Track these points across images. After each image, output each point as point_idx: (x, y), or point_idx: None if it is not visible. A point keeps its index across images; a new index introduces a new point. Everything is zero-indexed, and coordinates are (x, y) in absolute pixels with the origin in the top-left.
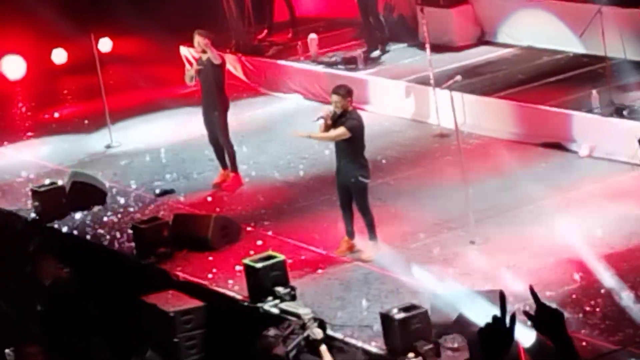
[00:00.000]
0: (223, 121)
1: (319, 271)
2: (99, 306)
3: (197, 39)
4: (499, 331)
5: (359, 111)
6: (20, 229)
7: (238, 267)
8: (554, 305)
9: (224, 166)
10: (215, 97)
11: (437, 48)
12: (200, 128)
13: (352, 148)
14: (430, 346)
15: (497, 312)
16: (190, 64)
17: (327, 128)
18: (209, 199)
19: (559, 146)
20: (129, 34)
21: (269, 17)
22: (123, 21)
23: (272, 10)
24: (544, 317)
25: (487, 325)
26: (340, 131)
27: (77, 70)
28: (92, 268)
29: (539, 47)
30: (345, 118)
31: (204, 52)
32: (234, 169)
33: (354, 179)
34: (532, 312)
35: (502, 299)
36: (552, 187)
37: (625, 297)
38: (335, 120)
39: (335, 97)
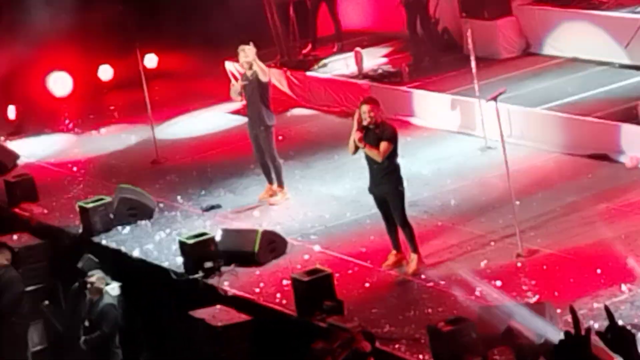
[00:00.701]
0: (268, 136)
1: (366, 284)
2: (147, 321)
3: (243, 55)
4: (574, 347)
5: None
6: (69, 244)
7: (285, 281)
8: (626, 326)
9: (270, 181)
10: (260, 112)
11: (483, 60)
12: (245, 143)
13: (387, 159)
14: (479, 359)
15: (545, 324)
16: (236, 79)
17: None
18: (256, 213)
19: (605, 157)
20: (175, 49)
21: (313, 32)
22: (168, 37)
23: (316, 24)
24: (616, 337)
25: (562, 342)
26: (386, 147)
27: (123, 86)
28: (140, 283)
29: (584, 58)
30: (382, 130)
31: (249, 67)
32: (280, 183)
33: (391, 190)
34: (603, 331)
35: (573, 314)
36: (599, 198)
37: None
38: (367, 131)
39: (365, 107)
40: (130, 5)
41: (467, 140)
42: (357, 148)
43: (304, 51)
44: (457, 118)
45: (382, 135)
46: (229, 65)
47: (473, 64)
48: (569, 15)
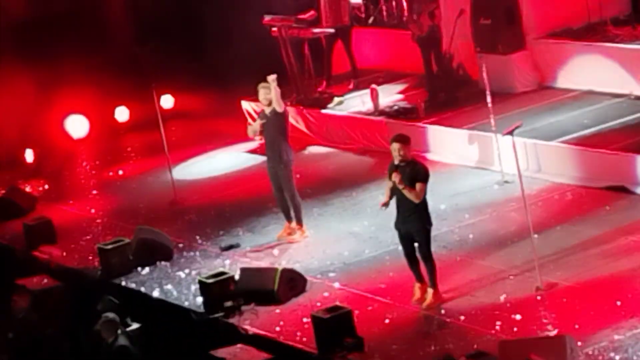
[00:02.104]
0: (288, 173)
1: (386, 321)
2: None
3: (263, 92)
4: None
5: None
6: (88, 286)
7: (305, 319)
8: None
9: (289, 219)
10: (279, 148)
11: (498, 95)
12: (263, 181)
13: None
14: None
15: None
16: (252, 118)
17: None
18: (275, 252)
19: (622, 189)
20: (190, 89)
21: (328, 69)
22: (184, 77)
23: (331, 62)
24: None
25: None
26: (422, 187)
27: (139, 128)
28: (160, 324)
29: (599, 90)
30: (414, 169)
31: (268, 104)
32: (299, 221)
33: (419, 228)
34: None
35: None
36: (617, 230)
37: None
38: (395, 169)
39: (396, 145)
40: (145, 47)
41: (484, 175)
42: (392, 194)
43: (320, 89)
44: (474, 153)
45: (416, 175)
46: (245, 105)
47: (488, 98)
48: (583, 48)
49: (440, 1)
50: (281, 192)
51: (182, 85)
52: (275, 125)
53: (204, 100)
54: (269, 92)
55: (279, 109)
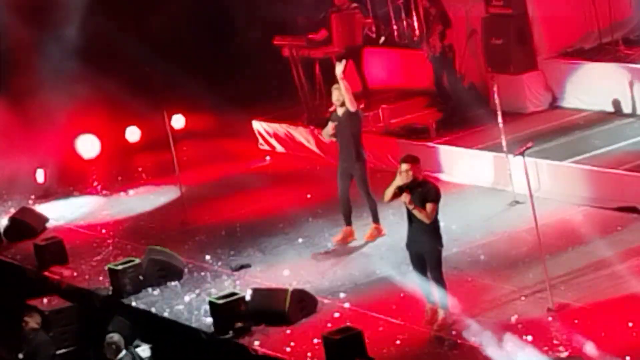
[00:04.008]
0: (363, 172)
1: (397, 342)
2: None
3: (337, 93)
4: None
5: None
6: (99, 307)
7: (316, 340)
8: None
9: (348, 222)
10: (355, 148)
11: (509, 115)
12: (274, 201)
13: None
14: None
15: None
16: (264, 137)
17: (394, 195)
18: (285, 272)
19: (634, 210)
20: (202, 109)
21: None
22: (195, 97)
23: None
24: None
25: None
26: (432, 207)
27: (151, 148)
28: (171, 345)
29: (610, 111)
30: (425, 190)
31: (341, 105)
32: (376, 220)
33: (430, 249)
34: None
35: None
36: (629, 250)
37: None
38: (411, 190)
39: (405, 166)
40: (156, 67)
41: (496, 195)
42: (393, 196)
43: (331, 109)
44: (485, 173)
45: (426, 195)
46: (256, 125)
47: (500, 118)
48: (595, 68)
49: (452, 21)
50: (347, 194)
51: (193, 106)
52: (349, 126)
53: (215, 121)
54: (340, 93)
55: (352, 109)
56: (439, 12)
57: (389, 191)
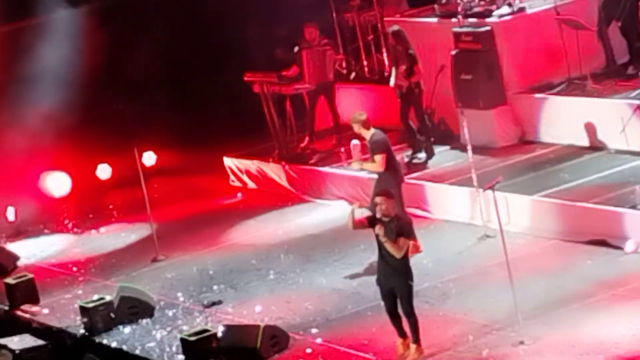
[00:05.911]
0: (399, 194)
1: None
2: None
3: (356, 127)
4: None
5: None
6: (70, 345)
7: None
8: None
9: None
10: (386, 172)
11: (479, 149)
12: (247, 237)
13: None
14: None
15: None
16: (235, 174)
17: (366, 225)
18: (257, 308)
19: (604, 243)
20: (172, 146)
21: (311, 125)
22: (166, 135)
23: (313, 118)
24: None
25: None
26: (404, 242)
27: (121, 185)
28: None
29: (580, 144)
30: (398, 225)
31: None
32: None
33: (401, 283)
34: None
35: None
36: (599, 284)
37: None
38: (384, 224)
39: (378, 199)
40: (127, 104)
41: (466, 230)
42: (365, 226)
43: (302, 145)
44: (456, 208)
45: (400, 230)
46: (228, 161)
47: (470, 153)
48: (564, 102)
49: (419, 58)
50: None
51: (164, 143)
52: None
53: (186, 157)
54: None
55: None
56: (404, 49)
57: (349, 220)
